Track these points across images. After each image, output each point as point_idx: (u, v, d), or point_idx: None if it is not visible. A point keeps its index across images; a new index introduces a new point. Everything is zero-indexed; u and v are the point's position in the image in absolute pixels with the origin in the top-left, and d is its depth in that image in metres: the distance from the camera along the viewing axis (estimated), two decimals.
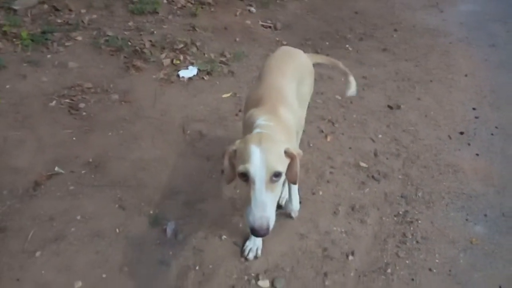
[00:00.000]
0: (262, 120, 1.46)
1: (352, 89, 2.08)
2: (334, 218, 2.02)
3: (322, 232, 1.94)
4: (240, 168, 1.21)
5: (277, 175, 1.22)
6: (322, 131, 2.64)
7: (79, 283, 1.65)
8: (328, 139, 2.58)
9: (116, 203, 2.03)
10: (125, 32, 3.43)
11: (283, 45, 3.73)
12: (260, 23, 4.10)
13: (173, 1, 4.10)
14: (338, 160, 2.40)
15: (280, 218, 1.97)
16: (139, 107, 2.73)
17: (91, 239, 1.84)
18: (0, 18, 3.11)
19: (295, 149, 1.33)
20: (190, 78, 3.08)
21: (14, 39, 2.98)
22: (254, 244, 1.81)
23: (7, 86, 2.65)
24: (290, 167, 1.31)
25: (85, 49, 3.12)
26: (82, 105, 2.65)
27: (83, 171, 2.20)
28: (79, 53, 3.08)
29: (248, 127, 1.49)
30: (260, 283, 1.68)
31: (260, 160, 1.20)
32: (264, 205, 1.17)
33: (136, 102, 2.76)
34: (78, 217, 1.93)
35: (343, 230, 1.96)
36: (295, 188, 1.88)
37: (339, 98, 3.00)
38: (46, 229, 1.86)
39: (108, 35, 3.30)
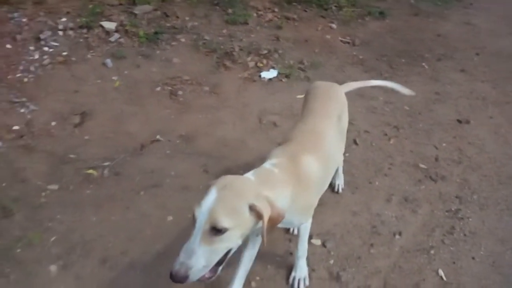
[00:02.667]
0: (270, 163, 1.41)
1: (404, 90, 2.27)
2: (387, 204, 2.31)
3: (374, 213, 2.24)
4: (193, 207, 1.16)
5: (219, 230, 1.12)
6: (386, 135, 2.94)
7: (170, 218, 2.17)
8: (391, 141, 2.87)
9: (201, 168, 2.55)
10: (219, 38, 4.10)
11: (359, 59, 4.11)
12: (340, 38, 4.53)
13: (262, 15, 4.73)
14: (398, 159, 2.68)
15: (336, 196, 2.33)
16: (225, 98, 3.30)
17: (180, 190, 2.37)
18: (124, 19, 3.97)
19: (273, 206, 1.20)
20: (270, 79, 3.60)
21: (133, 37, 3.79)
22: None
23: (125, 72, 3.41)
24: (262, 227, 1.19)
25: (186, 49, 3.84)
26: (180, 92, 3.31)
27: (177, 141, 2.79)
28: (181, 51, 3.80)
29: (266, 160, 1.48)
30: (313, 241, 2.04)
31: (208, 206, 1.13)
32: (191, 254, 1.11)
33: (223, 94, 3.35)
34: (172, 173, 2.48)
35: (393, 215, 2.24)
36: (303, 241, 1.76)
37: (407, 108, 3.26)
38: (148, 178, 2.44)
39: (205, 39, 4.00)
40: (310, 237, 2.06)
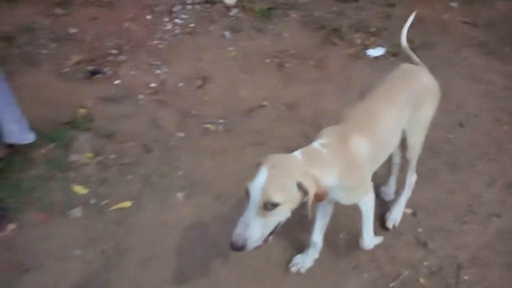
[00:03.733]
0: (319, 142, 1.46)
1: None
2: (488, 187, 2.29)
3: (472, 194, 2.26)
4: (247, 183, 1.28)
5: (273, 204, 1.24)
6: (499, 120, 2.81)
7: None
8: (504, 127, 2.75)
9: (302, 134, 2.82)
10: (328, 15, 4.24)
11: (479, 41, 3.86)
12: (459, 18, 4.28)
13: None
14: (508, 146, 2.58)
15: (433, 173, 2.38)
16: (328, 72, 3.49)
17: (282, 149, 2.62)
18: None
19: (318, 184, 1.31)
20: (376, 57, 3.65)
21: (249, 12, 4.17)
22: (303, 261, 1.88)
23: (241, 44, 3.81)
24: (307, 202, 1.30)
25: (296, 24, 4.08)
26: (287, 64, 3.59)
27: (282, 108, 3.09)
28: (291, 27, 4.05)
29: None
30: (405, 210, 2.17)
31: (261, 183, 1.24)
32: (247, 225, 1.25)
33: (327, 69, 3.53)
34: (275, 135, 2.80)
35: (494, 198, 2.22)
36: (365, 219, 1.75)
37: None
38: (254, 136, 2.78)
39: (315, 15, 4.18)
40: None
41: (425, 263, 1.89)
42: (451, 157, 2.52)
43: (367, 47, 3.76)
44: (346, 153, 1.46)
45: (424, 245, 1.98)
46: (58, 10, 3.73)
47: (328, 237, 2.00)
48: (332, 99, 3.16)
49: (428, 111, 1.83)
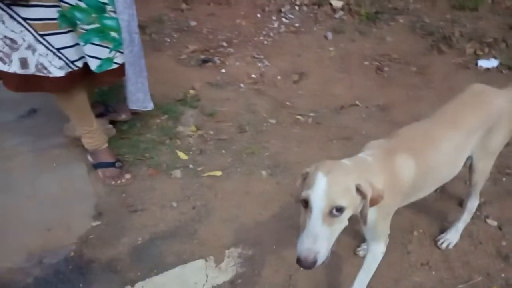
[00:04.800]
0: (365, 153, 1.43)
1: None
2: None
3: None
4: (303, 193, 1.22)
5: (338, 209, 1.19)
6: None
7: None
8: None
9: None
10: (440, 22, 4.14)
11: None
12: None
13: (498, 2, 4.41)
14: None
15: None
16: (430, 79, 3.44)
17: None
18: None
19: (373, 187, 1.26)
20: (487, 69, 3.48)
21: (354, 15, 4.30)
22: None
23: (341, 45, 3.96)
24: (365, 206, 1.26)
25: (402, 30, 4.08)
26: (386, 68, 3.63)
27: (373, 109, 3.17)
28: (397, 32, 4.07)
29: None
30: (488, 221, 2.10)
31: (322, 189, 1.18)
32: (316, 238, 1.16)
33: (429, 76, 3.49)
34: (363, 132, 2.90)
35: None
36: (365, 271, 1.59)
37: None
38: (341, 131, 2.92)
39: (424, 22, 4.12)
40: (486, 216, 2.13)
41: (503, 275, 1.83)
42: None
43: (478, 57, 3.60)
44: (390, 168, 1.39)
45: (505, 258, 1.91)
46: (184, 5, 4.36)
47: (401, 234, 2.07)
48: (429, 106, 3.11)
49: (500, 137, 1.70)
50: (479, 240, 2.01)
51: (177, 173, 2.56)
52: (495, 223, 2.09)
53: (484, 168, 1.78)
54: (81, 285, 1.88)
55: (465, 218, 1.98)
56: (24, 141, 2.73)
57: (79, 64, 2.13)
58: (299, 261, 1.16)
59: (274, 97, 3.30)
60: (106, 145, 2.56)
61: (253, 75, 3.57)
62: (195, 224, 2.20)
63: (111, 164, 2.53)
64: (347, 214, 1.23)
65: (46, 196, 2.37)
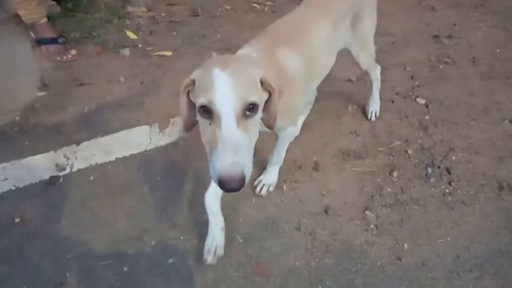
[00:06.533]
0: (245, 49, 1.32)
1: None
2: None
3: (493, 100, 2.33)
4: (200, 99, 0.99)
5: (251, 108, 1.00)
6: None
7: None
8: None
9: None
10: None
11: None
12: None
13: None
14: None
15: (461, 74, 2.45)
16: None
17: None
18: None
19: (278, 84, 1.12)
20: None
21: None
22: (213, 242, 1.55)
23: None
24: (266, 106, 1.11)
25: None
26: None
27: None
28: None
29: None
30: (418, 100, 2.33)
31: (228, 86, 0.98)
32: (236, 147, 0.94)
33: None
34: None
35: None
36: (280, 148, 1.67)
37: None
38: None
39: None
40: (416, 96, 2.35)
41: (420, 141, 2.09)
42: (488, 68, 2.55)
43: None
44: (277, 63, 1.30)
45: (425, 128, 2.16)
46: None
47: (337, 108, 2.26)
48: None
49: (369, 21, 1.75)
50: (405, 115, 2.24)
51: (126, 51, 2.59)
52: (423, 101, 2.32)
53: (366, 58, 1.87)
54: (26, 143, 1.99)
55: (376, 85, 2.14)
56: None
57: None
58: (223, 183, 0.91)
59: None
60: (45, 19, 2.51)
61: None
62: (142, 97, 2.30)
63: (54, 40, 2.51)
64: (259, 114, 1.07)
65: None
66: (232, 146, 0.93)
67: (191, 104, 1.10)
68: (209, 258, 1.53)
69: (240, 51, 1.32)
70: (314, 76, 1.59)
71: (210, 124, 1.00)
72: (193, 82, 1.07)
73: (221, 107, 0.97)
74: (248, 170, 0.95)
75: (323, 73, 1.68)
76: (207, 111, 0.99)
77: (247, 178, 0.94)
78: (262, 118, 1.13)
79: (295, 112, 1.49)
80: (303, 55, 1.41)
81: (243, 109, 0.99)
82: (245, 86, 1.00)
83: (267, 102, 1.11)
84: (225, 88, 0.97)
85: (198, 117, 1.04)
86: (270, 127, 1.17)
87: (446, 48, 2.72)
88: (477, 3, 3.19)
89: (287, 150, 1.74)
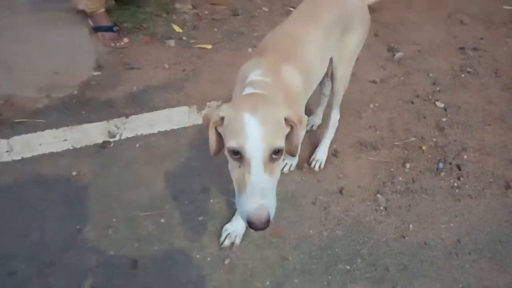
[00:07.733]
0: (256, 74, 1.32)
1: None
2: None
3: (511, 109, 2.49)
4: (231, 144, 1.06)
5: (277, 152, 1.07)
6: None
7: None
8: None
9: None
10: None
11: None
12: None
13: None
14: None
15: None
16: None
17: None
18: None
19: (297, 114, 1.18)
20: None
21: None
22: (235, 231, 1.76)
23: None
24: (289, 137, 1.18)
25: None
26: None
27: None
28: None
29: (240, 81, 1.39)
30: (437, 103, 2.52)
31: (258, 135, 1.04)
32: (263, 191, 1.03)
33: None
34: None
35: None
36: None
37: None
38: None
39: None
40: (436, 100, 2.54)
41: (434, 139, 2.29)
42: (511, 80, 2.71)
43: None
44: (283, 83, 1.36)
45: (441, 129, 2.35)
46: None
47: (359, 105, 2.48)
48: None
49: (357, 37, 1.73)
50: (423, 115, 2.44)
51: (171, 42, 2.91)
52: (442, 105, 2.51)
53: (343, 74, 1.83)
54: (83, 112, 2.33)
55: (330, 133, 2.11)
56: (33, 1, 3.04)
57: None
58: (251, 223, 1.02)
59: None
60: (103, 9, 2.88)
61: None
62: (183, 82, 2.61)
63: (109, 28, 2.87)
64: (283, 153, 1.13)
65: (53, 47, 2.75)
66: (260, 190, 1.02)
67: (219, 134, 1.19)
68: (226, 242, 1.75)
69: (252, 77, 1.33)
70: (311, 87, 1.65)
71: (239, 167, 1.08)
72: (221, 119, 1.14)
73: (251, 154, 1.04)
74: (272, 210, 1.05)
75: (317, 82, 1.73)
76: (237, 153, 1.07)
77: (272, 217, 1.04)
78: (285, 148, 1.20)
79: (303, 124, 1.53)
80: (302, 70, 1.46)
81: (270, 154, 1.06)
82: (273, 132, 1.06)
83: (289, 133, 1.19)
84: (255, 136, 1.04)
85: (227, 155, 1.12)
86: (292, 154, 1.27)
87: (470, 59, 2.90)
88: (506, 19, 3.35)
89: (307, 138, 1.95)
